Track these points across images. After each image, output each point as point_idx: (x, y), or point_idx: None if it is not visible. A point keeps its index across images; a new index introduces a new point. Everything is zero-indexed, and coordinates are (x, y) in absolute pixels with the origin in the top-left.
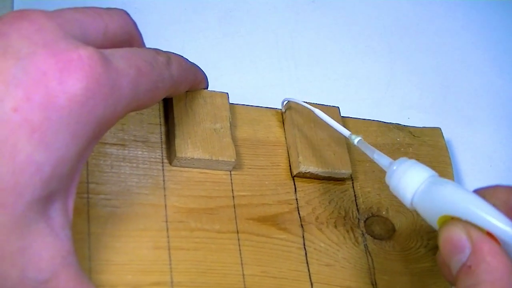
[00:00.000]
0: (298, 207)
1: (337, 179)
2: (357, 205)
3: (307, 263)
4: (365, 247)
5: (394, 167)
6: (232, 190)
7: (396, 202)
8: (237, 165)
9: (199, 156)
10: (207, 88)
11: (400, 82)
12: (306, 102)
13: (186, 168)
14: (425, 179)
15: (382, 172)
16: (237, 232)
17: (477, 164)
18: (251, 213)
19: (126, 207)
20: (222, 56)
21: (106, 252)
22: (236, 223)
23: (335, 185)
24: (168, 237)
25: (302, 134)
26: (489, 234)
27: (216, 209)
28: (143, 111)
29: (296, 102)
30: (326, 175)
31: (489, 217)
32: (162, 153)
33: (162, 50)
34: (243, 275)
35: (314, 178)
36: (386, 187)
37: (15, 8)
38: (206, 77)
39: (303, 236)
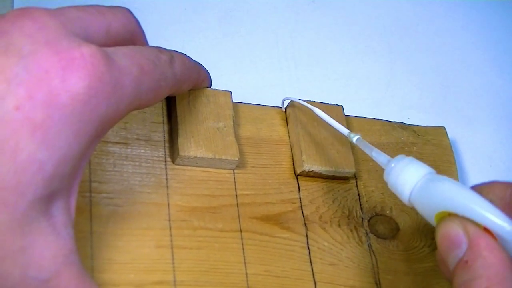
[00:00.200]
0: (301, 206)
1: (340, 178)
2: (361, 204)
3: (310, 262)
4: (368, 246)
5: (392, 165)
6: (235, 189)
7: (400, 201)
8: (240, 164)
9: (202, 154)
10: (210, 86)
11: (400, 82)
12: (309, 101)
13: (189, 167)
14: (423, 176)
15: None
16: (240, 231)
17: (477, 164)
18: (255, 212)
19: (128, 206)
20: (222, 56)
21: (109, 251)
22: (239, 222)
23: (339, 184)
24: (171, 236)
25: (306, 132)
26: (486, 230)
27: (219, 208)
28: (146, 109)
29: (297, 102)
30: (329, 174)
31: (486, 212)
32: (165, 151)
33: (165, 49)
34: (246, 274)
35: (318, 177)
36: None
37: (15, 7)
38: (209, 75)
39: (307, 235)
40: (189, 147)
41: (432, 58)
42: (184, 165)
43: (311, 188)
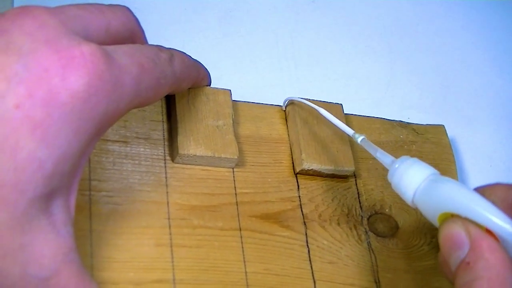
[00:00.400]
0: (301, 205)
1: (340, 176)
2: (360, 203)
3: (310, 260)
4: (368, 244)
5: (396, 165)
6: (235, 187)
7: (400, 200)
8: (239, 162)
9: (202, 153)
10: (210, 85)
11: (400, 82)
12: (310, 100)
13: (189, 165)
14: (426, 177)
15: (386, 170)
16: (240, 230)
17: (477, 164)
18: (254, 211)
19: (128, 204)
20: (222, 56)
21: (108, 249)
22: (239, 220)
23: (338, 182)
24: (170, 234)
25: (305, 131)
26: (488, 231)
27: (218, 206)
28: (146, 108)
29: (299, 101)
30: (329, 172)
31: (488, 214)
32: (164, 150)
33: (164, 47)
34: (246, 272)
35: (317, 175)
36: (389, 184)
37: (15, 6)
38: (209, 74)
39: (306, 234)
40: (189, 146)
41: (432, 58)
42: (183, 163)
43: (310, 187)
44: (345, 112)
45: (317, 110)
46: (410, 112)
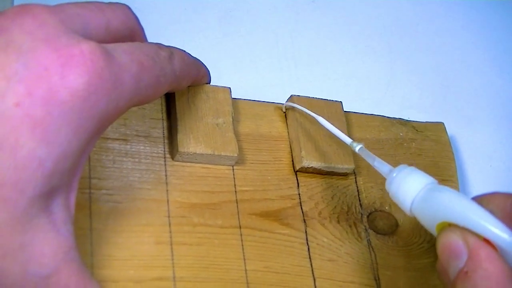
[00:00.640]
0: (300, 202)
1: (340, 174)
2: (360, 200)
3: (309, 258)
4: (368, 242)
5: (394, 174)
6: (235, 185)
7: None
8: (239, 160)
9: (202, 151)
10: (210, 83)
11: (400, 82)
12: (308, 98)
13: (189, 163)
14: (424, 186)
15: None
16: (240, 227)
17: (477, 164)
18: (254, 208)
19: (128, 202)
20: (222, 56)
21: (108, 247)
22: (239, 218)
23: (338, 180)
24: (170, 232)
25: (305, 129)
26: (486, 241)
27: (218, 204)
28: (145, 106)
29: (299, 108)
30: (329, 170)
31: (486, 223)
32: (164, 148)
33: (164, 45)
34: (246, 270)
35: (317, 173)
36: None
37: (15, 4)
38: (209, 72)
39: (306, 231)
40: (189, 143)
41: (432, 58)
42: (183, 161)
43: (310, 184)
44: (344, 110)
45: (316, 119)
46: (410, 112)
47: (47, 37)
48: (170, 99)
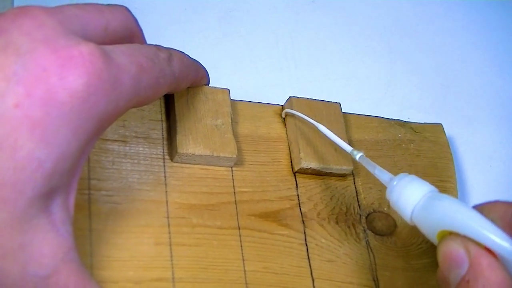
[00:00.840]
0: (299, 203)
1: (338, 175)
2: (358, 201)
3: (308, 259)
4: (366, 243)
5: (394, 183)
6: (234, 186)
7: None
8: (238, 161)
9: (201, 152)
10: (209, 84)
11: (400, 82)
12: (306, 99)
13: (188, 164)
14: (424, 194)
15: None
16: (239, 228)
17: (477, 164)
18: (253, 209)
19: (127, 203)
20: (222, 56)
21: (108, 248)
22: (238, 219)
23: (337, 181)
24: (169, 233)
25: (303, 130)
26: (487, 249)
27: (217, 205)
28: (144, 107)
29: (298, 115)
30: (327, 171)
31: (487, 232)
32: (163, 149)
33: (163, 46)
34: (245, 271)
35: (316, 174)
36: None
37: (15, 6)
38: (208, 73)
39: (305, 232)
40: (188, 145)
41: (432, 58)
42: (182, 162)
43: (309, 185)
44: (343, 111)
45: (316, 127)
46: (410, 112)
47: (46, 38)
48: (169, 101)
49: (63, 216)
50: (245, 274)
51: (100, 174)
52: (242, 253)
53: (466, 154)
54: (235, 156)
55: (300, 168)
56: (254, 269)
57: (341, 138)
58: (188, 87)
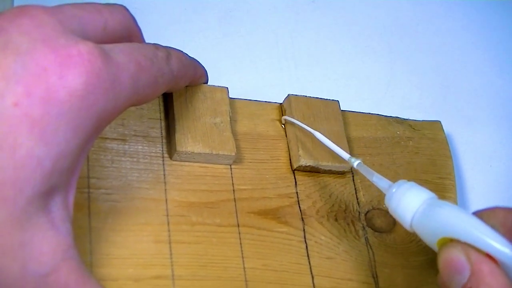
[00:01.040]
0: (298, 201)
1: (337, 172)
2: (357, 199)
3: (308, 256)
4: (365, 240)
5: (393, 190)
6: (233, 184)
7: None
8: (237, 159)
9: (200, 150)
10: (207, 83)
11: (400, 82)
12: (304, 97)
13: (187, 163)
14: (424, 201)
15: (382, 166)
16: (238, 226)
17: (477, 164)
18: (252, 207)
19: (126, 202)
20: (222, 56)
21: (107, 246)
22: (237, 216)
23: (336, 178)
24: (169, 231)
25: (302, 128)
26: (488, 256)
27: (216, 203)
28: (143, 106)
29: (296, 123)
30: (326, 168)
31: (488, 238)
32: (162, 147)
33: (161, 45)
34: (244, 268)
35: (315, 172)
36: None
37: (15, 6)
38: (206, 72)
39: (304, 230)
40: (186, 143)
41: (432, 58)
42: (181, 160)
43: (308, 183)
44: (342, 109)
45: (313, 134)
46: (410, 112)
47: (45, 37)
48: (168, 99)
49: (63, 215)
50: (244, 271)
51: (100, 172)
52: (242, 251)
53: (466, 154)
54: (234, 154)
55: (299, 166)
56: (254, 267)
57: (339, 137)
58: (186, 86)
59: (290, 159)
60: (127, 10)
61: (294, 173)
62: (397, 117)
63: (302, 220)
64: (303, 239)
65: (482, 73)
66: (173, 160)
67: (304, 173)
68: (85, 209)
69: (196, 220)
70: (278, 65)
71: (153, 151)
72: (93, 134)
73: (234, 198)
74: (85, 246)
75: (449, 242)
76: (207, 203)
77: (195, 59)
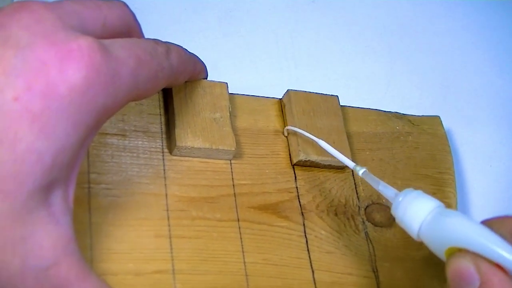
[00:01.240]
0: (298, 195)
1: (337, 167)
2: (357, 193)
3: (308, 250)
4: (365, 234)
5: (400, 198)
6: (233, 179)
7: None
8: (237, 154)
9: (199, 145)
10: (207, 78)
11: (400, 82)
12: (303, 92)
13: (187, 158)
14: (431, 210)
15: (382, 161)
16: (238, 221)
17: (477, 164)
18: (252, 202)
19: (127, 197)
20: (222, 56)
21: (108, 241)
22: (237, 211)
23: (335, 173)
24: (169, 225)
25: (302, 123)
26: (498, 266)
27: (217, 197)
28: (143, 101)
29: (300, 132)
30: (326, 163)
31: (498, 248)
32: (162, 142)
33: (161, 41)
34: (245, 262)
35: (314, 167)
36: (386, 175)
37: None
38: (206, 67)
39: (304, 224)
40: (186, 138)
41: (432, 58)
42: (181, 155)
43: (307, 178)
44: (341, 104)
45: (316, 142)
46: (410, 112)
47: (45, 32)
48: (167, 95)
49: (63, 209)
50: (245, 265)
51: (100, 167)
52: (242, 245)
53: (466, 154)
54: (233, 149)
55: (299, 161)
56: (254, 261)
57: (339, 132)
58: (186, 81)
59: (289, 154)
60: (126, 6)
61: (293, 168)
62: (396, 112)
63: (302, 214)
64: (303, 234)
65: (482, 73)
66: (173, 155)
67: (304, 168)
68: (86, 204)
69: (196, 215)
70: (278, 65)
71: (153, 146)
72: (93, 128)
73: (234, 193)
74: (86, 241)
75: (457, 252)
76: (207, 198)
77: (194, 54)
